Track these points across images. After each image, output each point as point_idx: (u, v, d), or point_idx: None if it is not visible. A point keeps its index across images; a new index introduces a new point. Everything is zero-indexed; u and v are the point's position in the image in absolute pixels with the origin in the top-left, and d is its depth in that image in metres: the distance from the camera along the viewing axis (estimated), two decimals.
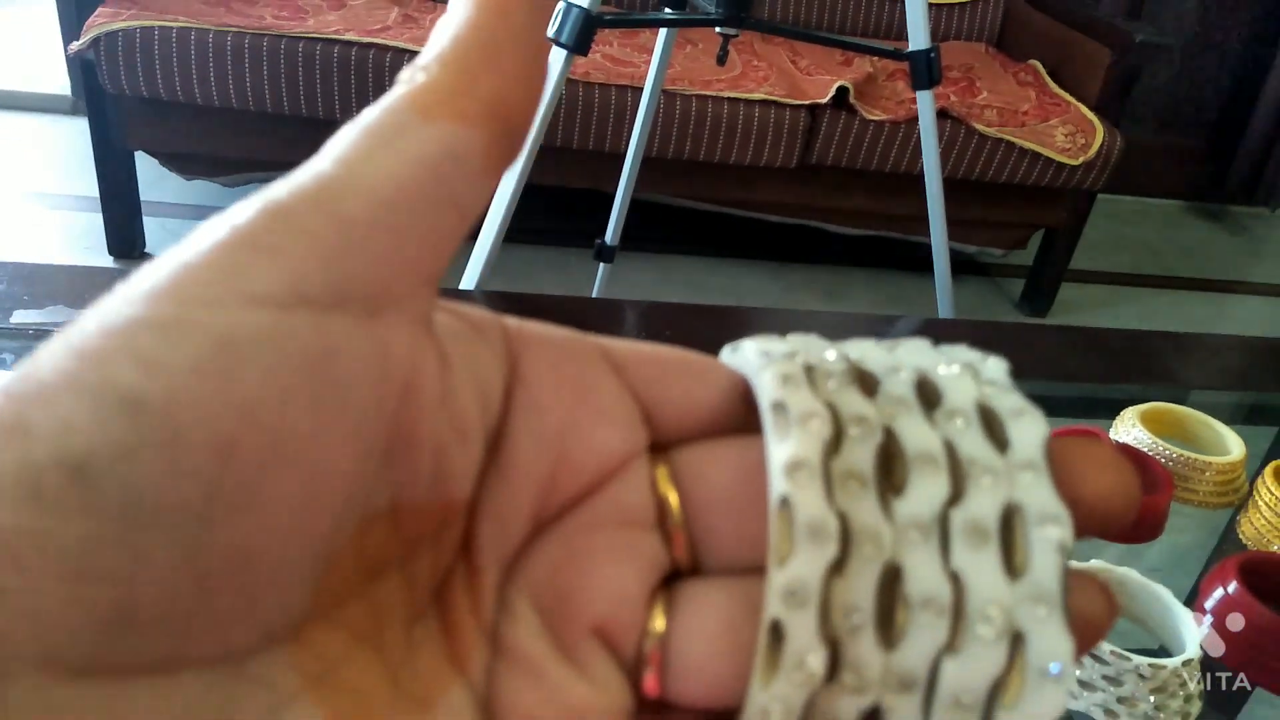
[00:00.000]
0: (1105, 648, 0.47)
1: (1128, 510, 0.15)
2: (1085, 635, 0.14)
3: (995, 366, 0.16)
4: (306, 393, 0.12)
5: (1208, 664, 0.50)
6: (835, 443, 0.15)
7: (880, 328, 0.86)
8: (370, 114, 0.14)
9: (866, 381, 0.16)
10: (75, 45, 1.57)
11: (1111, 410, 0.72)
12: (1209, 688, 0.50)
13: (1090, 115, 1.93)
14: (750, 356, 0.16)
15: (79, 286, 0.66)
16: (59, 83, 2.27)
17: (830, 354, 0.16)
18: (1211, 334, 1.00)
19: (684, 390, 0.17)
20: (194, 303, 0.12)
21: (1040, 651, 0.14)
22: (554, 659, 0.15)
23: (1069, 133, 1.89)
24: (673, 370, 0.17)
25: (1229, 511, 0.65)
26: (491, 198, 0.15)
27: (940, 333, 0.99)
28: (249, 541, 0.12)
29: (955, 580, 0.14)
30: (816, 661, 0.14)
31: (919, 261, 2.02)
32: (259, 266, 0.12)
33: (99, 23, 1.57)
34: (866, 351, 0.17)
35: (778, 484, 0.14)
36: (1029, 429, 0.15)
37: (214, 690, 0.12)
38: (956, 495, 0.15)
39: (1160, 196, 2.82)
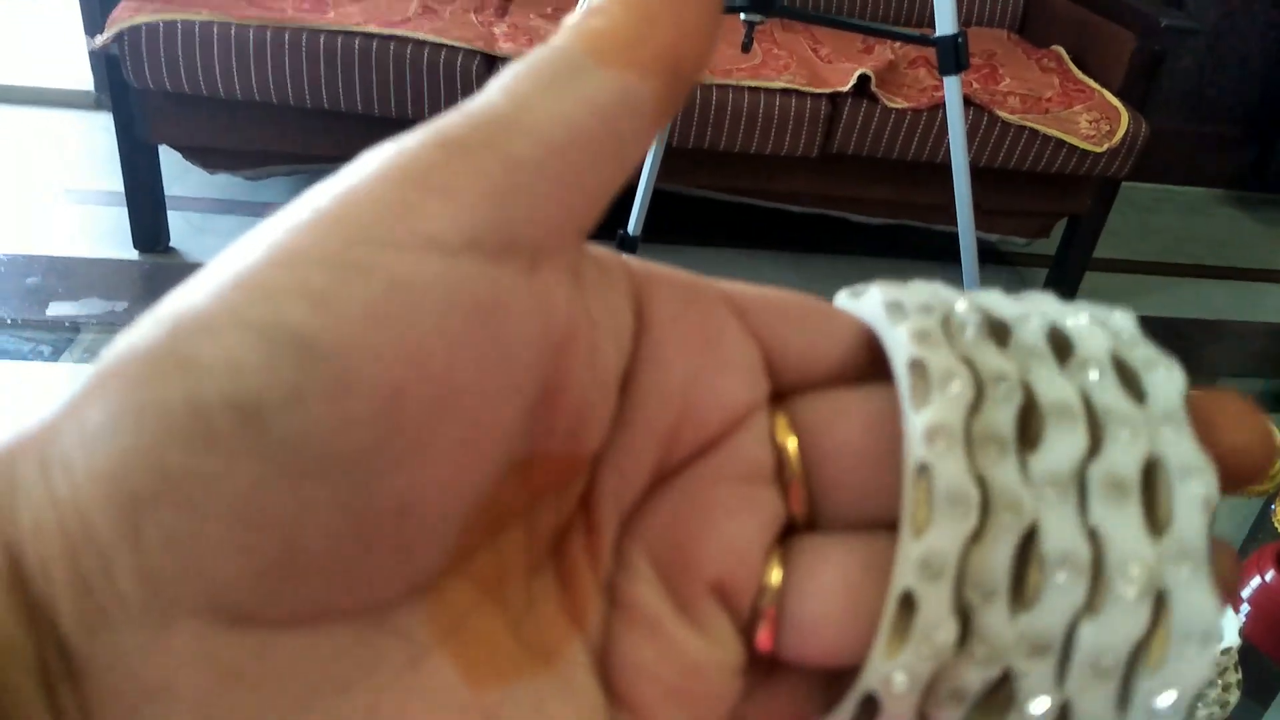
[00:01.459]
0: None
1: (1266, 464, 0.15)
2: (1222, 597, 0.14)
3: (1122, 319, 0.16)
4: (474, 343, 0.12)
5: (1245, 652, 0.49)
6: (975, 403, 0.14)
7: None
8: (542, 52, 0.14)
9: (999, 332, 0.15)
10: (99, 40, 1.58)
11: None
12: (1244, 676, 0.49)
13: (1115, 101, 1.91)
14: (878, 308, 0.16)
15: (112, 279, 0.66)
16: (82, 78, 2.29)
17: (961, 304, 0.15)
18: (1243, 321, 0.99)
19: (807, 338, 0.16)
20: (367, 242, 0.11)
21: (1186, 612, 0.13)
22: (670, 614, 0.15)
23: (1093, 119, 1.87)
24: (796, 317, 0.16)
25: (1262, 500, 0.65)
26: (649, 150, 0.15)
27: None
28: (411, 493, 0.12)
29: (1093, 538, 0.14)
30: (948, 634, 0.13)
31: (941, 251, 2.01)
32: (432, 206, 0.12)
33: (122, 17, 1.58)
34: (995, 301, 0.16)
35: (916, 449, 0.14)
36: (1166, 380, 0.14)
37: (360, 642, 0.12)
38: (1094, 449, 0.14)
39: (1186, 184, 2.78)
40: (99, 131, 2.12)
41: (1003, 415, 0.14)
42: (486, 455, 0.13)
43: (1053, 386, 0.14)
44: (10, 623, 0.10)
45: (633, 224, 1.30)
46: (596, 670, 0.14)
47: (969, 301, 0.16)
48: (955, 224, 1.17)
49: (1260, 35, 2.61)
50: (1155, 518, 0.14)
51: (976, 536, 0.14)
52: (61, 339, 0.59)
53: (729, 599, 0.15)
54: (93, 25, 1.72)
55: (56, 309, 0.61)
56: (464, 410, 0.12)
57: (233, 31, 1.60)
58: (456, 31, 1.69)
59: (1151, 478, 0.14)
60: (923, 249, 2.14)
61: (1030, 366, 0.15)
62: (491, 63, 1.68)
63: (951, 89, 1.10)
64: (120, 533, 0.10)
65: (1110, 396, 0.14)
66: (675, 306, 0.16)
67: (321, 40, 1.62)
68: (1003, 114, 1.82)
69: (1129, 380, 0.15)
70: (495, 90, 0.13)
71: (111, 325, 0.61)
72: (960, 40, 1.06)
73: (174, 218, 1.85)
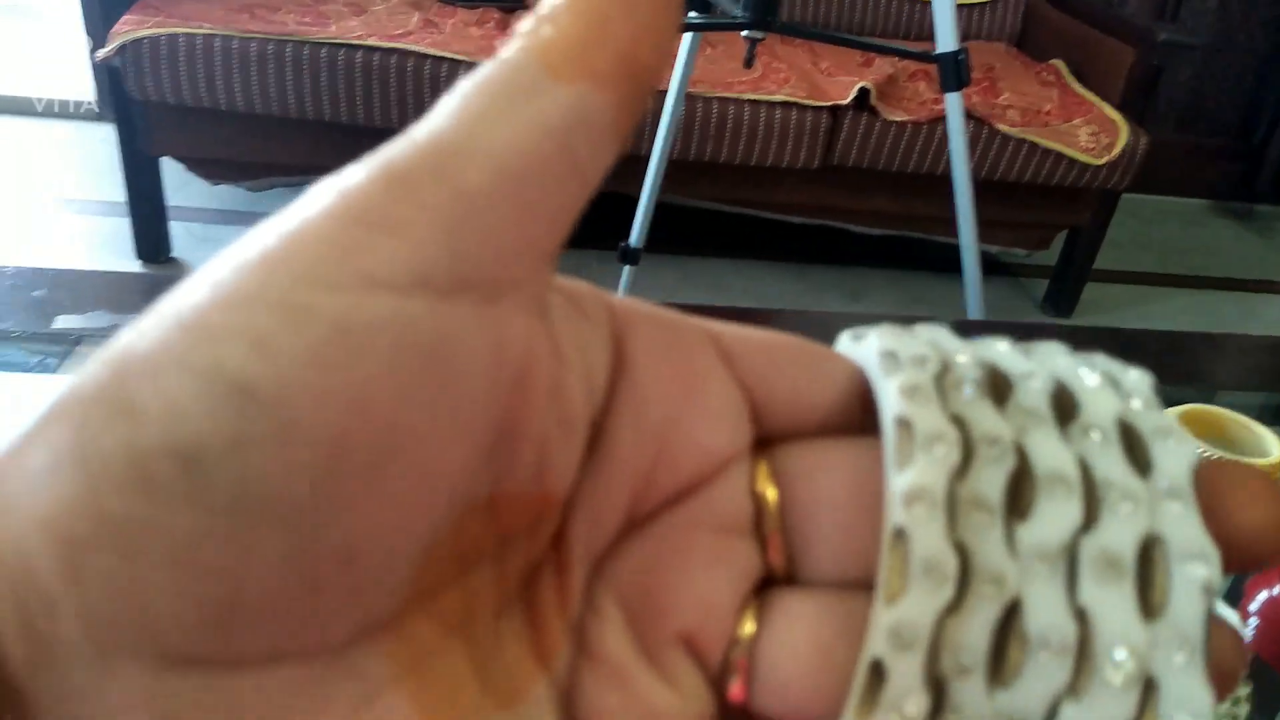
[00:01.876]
0: None
1: (1279, 549, 0.14)
2: (1218, 687, 0.13)
3: (1139, 379, 0.15)
4: (423, 387, 0.11)
5: (1255, 666, 0.49)
6: (963, 465, 0.13)
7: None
8: (491, 68, 0.13)
9: (999, 388, 0.15)
10: (102, 52, 1.59)
11: None
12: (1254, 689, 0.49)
13: (1114, 114, 1.92)
14: (873, 356, 0.15)
15: (118, 292, 0.66)
16: (85, 90, 2.30)
17: (963, 356, 0.15)
18: (1246, 334, 0.99)
19: (796, 384, 0.16)
20: (312, 283, 0.11)
21: (1176, 703, 0.12)
22: (638, 663, 0.14)
23: (1092, 132, 1.87)
24: (785, 361, 0.16)
25: None
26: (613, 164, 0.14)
27: (972, 334, 0.98)
28: (357, 538, 0.11)
29: (1081, 617, 0.13)
30: (917, 707, 0.13)
31: (942, 261, 2.01)
32: (379, 245, 0.11)
33: (124, 30, 1.59)
34: (1000, 353, 0.15)
35: (895, 513, 0.13)
36: (1176, 452, 0.14)
37: (311, 681, 0.12)
38: (1089, 522, 0.13)
39: (1184, 196, 2.79)
40: (101, 143, 2.13)
41: (991, 480, 0.13)
42: (438, 498, 0.12)
43: (1049, 452, 0.14)
44: None
45: (635, 235, 1.30)
46: (560, 713, 0.14)
47: (972, 354, 0.15)
48: (956, 235, 1.18)
49: (1256, 51, 2.62)
50: (1150, 600, 0.13)
51: (954, 608, 0.13)
52: (66, 351, 0.59)
53: (699, 651, 0.15)
54: (96, 37, 1.73)
55: (63, 322, 0.61)
56: (412, 454, 0.12)
57: (234, 44, 1.60)
58: (457, 45, 1.70)
59: (1149, 556, 0.13)
60: (924, 260, 2.14)
61: (1028, 428, 0.14)
62: None
63: (953, 106, 1.11)
64: (61, 575, 0.10)
65: (1112, 466, 0.14)
66: (657, 347, 0.15)
67: (323, 53, 1.63)
68: (1002, 127, 1.83)
69: (1136, 448, 0.14)
70: (444, 113, 0.13)
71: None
72: (961, 57, 1.07)
73: (176, 228, 1.85)
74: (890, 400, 0.14)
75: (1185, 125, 2.69)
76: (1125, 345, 0.88)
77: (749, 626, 0.15)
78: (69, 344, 0.59)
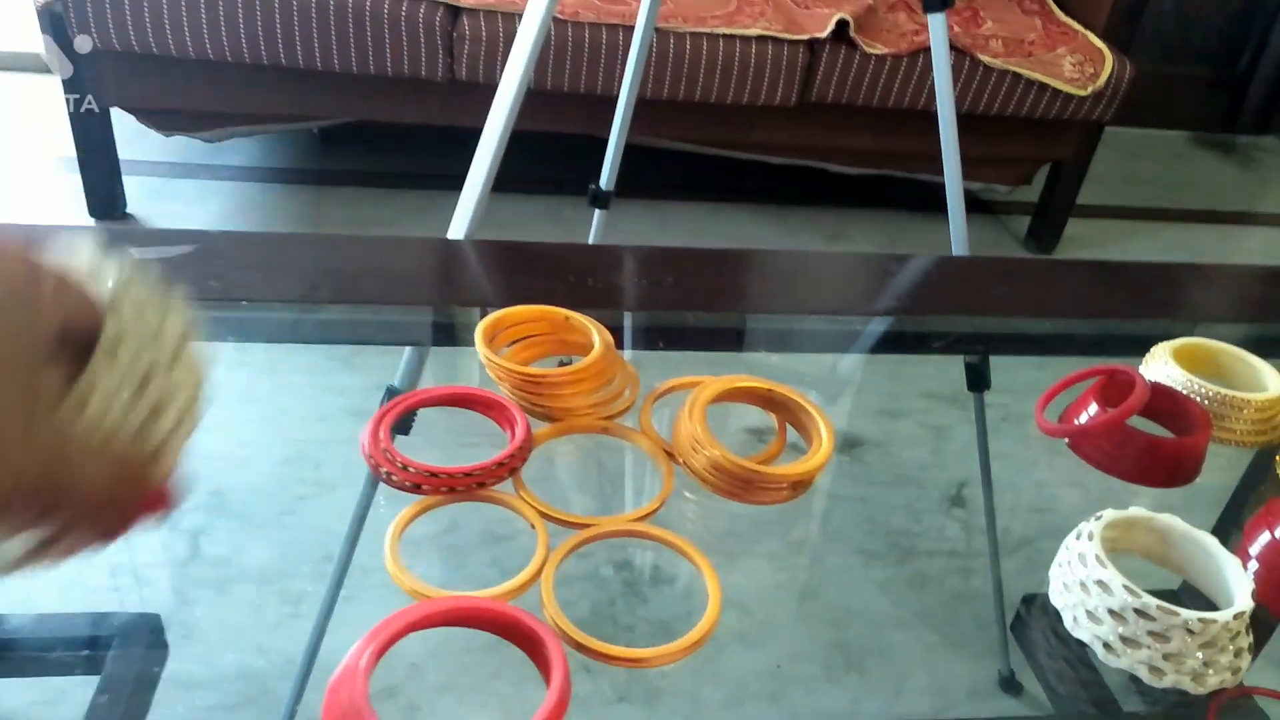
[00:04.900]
0: (1151, 603, 0.43)
1: None
2: None
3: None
4: None
5: (1256, 615, 0.47)
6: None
7: (895, 267, 0.82)
8: None
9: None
10: None
11: (1139, 347, 0.68)
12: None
13: (1099, 43, 1.87)
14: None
15: (72, 249, 0.61)
16: (31, 40, 2.19)
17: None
18: (1237, 264, 0.96)
19: None
20: None
21: None
22: None
23: (1077, 62, 1.82)
24: None
25: (1268, 450, 0.62)
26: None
27: (958, 271, 0.95)
28: None
29: None
30: None
31: (922, 200, 1.97)
32: None
33: None
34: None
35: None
36: None
37: None
38: None
39: (1167, 128, 2.75)
40: (51, 95, 2.04)
41: None
42: None
43: None
44: None
45: (605, 178, 1.25)
46: None
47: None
48: (938, 173, 1.14)
49: None
50: None
51: None
52: None
53: None
54: None
55: None
56: None
57: None
58: None
59: None
60: (905, 199, 2.10)
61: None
62: (456, 14, 1.61)
63: (937, 29, 1.06)
64: None
65: None
66: None
67: None
68: (985, 58, 1.77)
69: None
70: None
71: None
72: None
73: (130, 183, 1.78)
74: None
75: (1170, 55, 2.64)
76: (1111, 277, 0.84)
77: None
78: None
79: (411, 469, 0.49)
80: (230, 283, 0.66)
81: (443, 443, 0.56)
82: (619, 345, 0.60)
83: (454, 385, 0.56)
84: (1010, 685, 0.47)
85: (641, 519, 0.50)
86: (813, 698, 0.45)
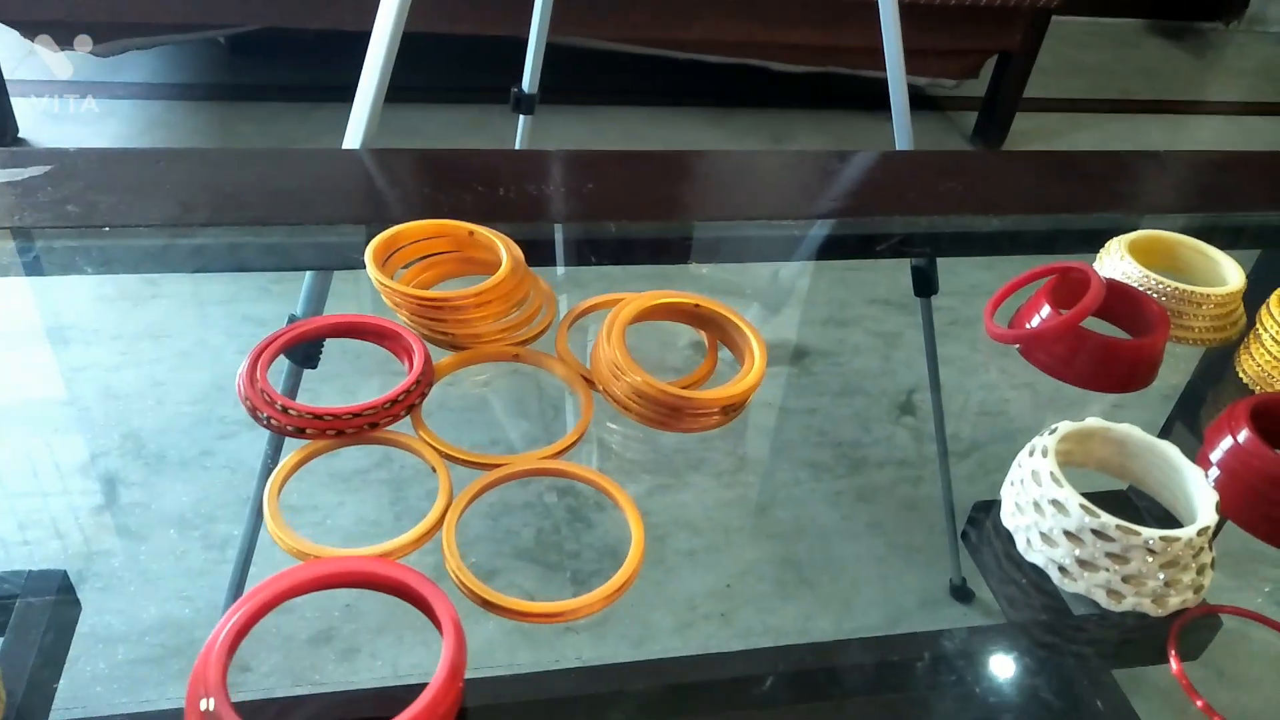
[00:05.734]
0: (1110, 522, 0.40)
1: None
2: None
3: None
4: None
5: (1217, 529, 0.43)
6: None
7: (835, 165, 0.76)
8: None
9: None
10: None
11: (1094, 242, 0.64)
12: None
13: None
14: None
15: None
16: None
17: None
18: (1193, 150, 0.92)
19: None
20: None
21: None
22: None
23: None
24: None
25: (1224, 348, 0.59)
26: None
27: (903, 167, 0.90)
28: None
29: None
30: None
31: (867, 99, 1.90)
32: None
33: None
34: None
35: None
36: None
37: None
38: None
39: (1117, 15, 2.69)
40: None
41: None
42: None
43: None
44: None
45: (526, 80, 1.17)
46: None
47: None
48: (883, 68, 1.07)
49: None
50: None
51: None
52: None
53: None
54: None
55: None
56: None
57: None
58: None
59: None
60: (848, 98, 2.03)
61: None
62: None
63: None
64: None
65: None
66: None
67: None
68: None
69: None
70: None
71: None
72: None
73: (20, 105, 1.64)
74: None
75: None
76: (1061, 168, 0.80)
77: None
78: None
79: (292, 411, 0.43)
80: (90, 206, 0.59)
81: (349, 379, 0.50)
82: (536, 262, 0.54)
83: (344, 314, 0.50)
84: (962, 593, 0.44)
85: (556, 455, 0.45)
86: (764, 615, 0.43)
